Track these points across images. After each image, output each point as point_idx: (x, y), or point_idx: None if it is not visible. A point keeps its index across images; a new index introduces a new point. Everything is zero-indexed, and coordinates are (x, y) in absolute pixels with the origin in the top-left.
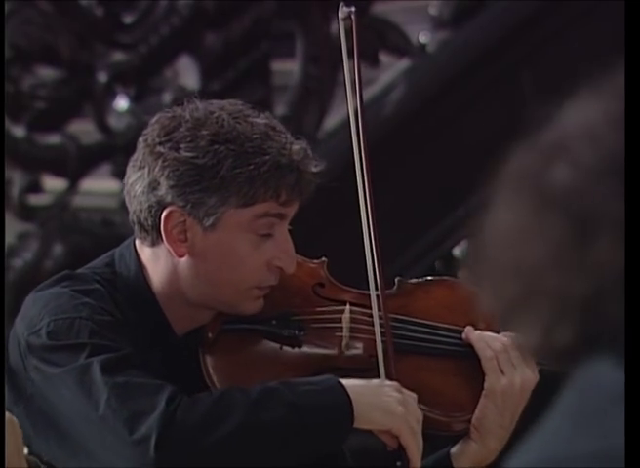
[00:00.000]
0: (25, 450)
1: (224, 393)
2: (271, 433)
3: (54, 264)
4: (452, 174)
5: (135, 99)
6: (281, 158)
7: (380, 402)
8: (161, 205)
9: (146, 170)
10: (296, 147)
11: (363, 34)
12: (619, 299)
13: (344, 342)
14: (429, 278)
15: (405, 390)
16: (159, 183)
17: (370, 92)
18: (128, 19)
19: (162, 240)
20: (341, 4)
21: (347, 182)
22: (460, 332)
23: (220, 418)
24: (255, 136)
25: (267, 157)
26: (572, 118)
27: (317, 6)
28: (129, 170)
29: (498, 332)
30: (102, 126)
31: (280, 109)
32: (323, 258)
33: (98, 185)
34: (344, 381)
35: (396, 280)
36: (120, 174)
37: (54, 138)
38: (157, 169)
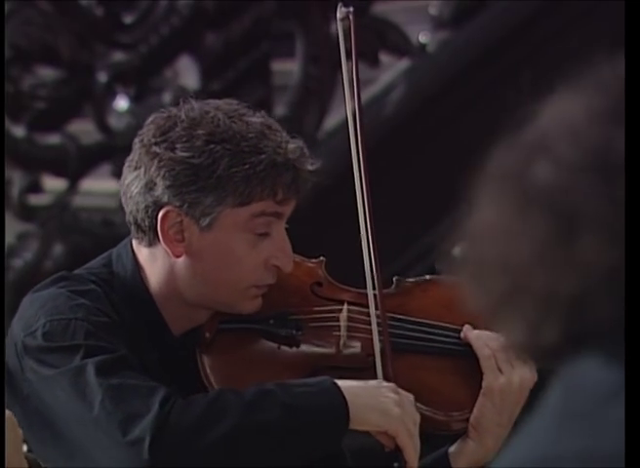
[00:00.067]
0: (24, 448)
1: (219, 395)
2: (266, 435)
3: (54, 264)
4: (452, 173)
5: (135, 99)
6: (277, 157)
7: (377, 403)
8: (157, 205)
9: (142, 170)
10: (291, 146)
11: (363, 34)
12: (605, 297)
13: (342, 341)
14: (427, 277)
15: (402, 391)
16: (155, 184)
17: (370, 92)
18: (128, 19)
19: (159, 240)
20: (340, 4)
21: (348, 182)
22: (459, 331)
23: (215, 420)
24: (250, 135)
25: (263, 156)
26: (553, 115)
27: (317, 6)
28: (125, 170)
29: None
30: (102, 126)
31: (280, 109)
32: (321, 258)
33: (98, 185)
34: (340, 382)
35: (394, 279)
36: (120, 174)
37: (54, 138)
38: (153, 169)
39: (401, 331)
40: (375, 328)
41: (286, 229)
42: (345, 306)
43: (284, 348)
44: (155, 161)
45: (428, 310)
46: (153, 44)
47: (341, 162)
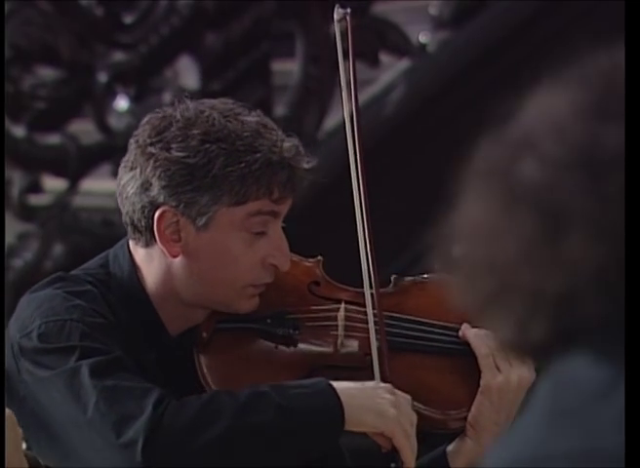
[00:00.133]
0: (23, 446)
1: (213, 396)
2: (261, 436)
3: (54, 264)
4: (452, 174)
5: (135, 99)
6: (272, 155)
7: (372, 404)
8: (154, 205)
9: (138, 170)
10: (287, 144)
11: (363, 34)
12: (592, 295)
13: (339, 341)
14: (425, 276)
15: (398, 392)
16: (151, 184)
17: (370, 92)
18: (128, 19)
19: (155, 240)
20: (337, 5)
21: (347, 182)
22: (457, 330)
23: (208, 422)
24: (246, 134)
25: (259, 155)
26: (537, 110)
27: (317, 6)
28: (121, 171)
29: None
30: (102, 126)
31: (280, 109)
32: (319, 257)
33: (98, 185)
34: (336, 384)
35: (392, 278)
36: None
37: (54, 138)
38: (149, 169)
39: (398, 330)
40: (372, 327)
41: (283, 228)
42: (343, 305)
43: (281, 348)
44: (151, 161)
45: (426, 309)
46: (153, 44)
47: (341, 162)
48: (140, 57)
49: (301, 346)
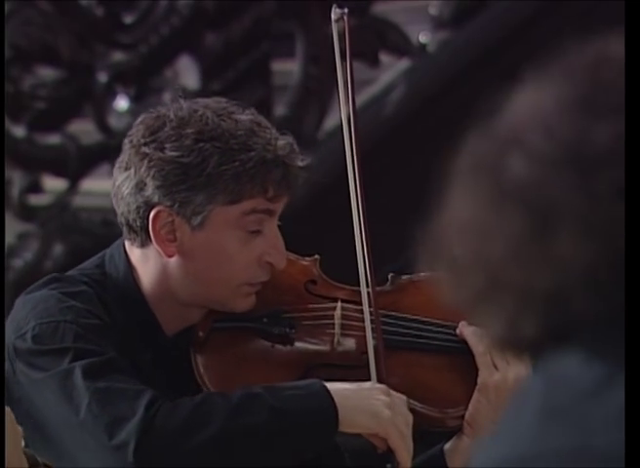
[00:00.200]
0: (22, 443)
1: (206, 398)
2: (254, 438)
3: (54, 264)
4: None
5: (135, 99)
6: (266, 153)
7: (366, 405)
8: (148, 205)
9: (132, 171)
10: (281, 142)
11: (363, 34)
12: (583, 293)
13: (336, 339)
14: (422, 274)
15: (394, 393)
16: (145, 184)
17: (370, 92)
18: (128, 19)
19: (151, 241)
20: (334, 5)
21: (347, 182)
22: (454, 328)
23: (201, 423)
24: (239, 132)
25: (253, 153)
26: (523, 105)
27: (317, 6)
28: (115, 171)
29: None
30: (102, 126)
31: (280, 109)
32: (315, 256)
33: (98, 185)
34: (330, 385)
35: (389, 276)
36: None
37: (54, 138)
38: (143, 169)
39: (395, 329)
40: (368, 325)
41: (279, 226)
42: (339, 304)
43: (278, 346)
44: (145, 161)
45: (423, 307)
46: (153, 44)
47: (341, 162)
48: (140, 57)
49: (298, 345)
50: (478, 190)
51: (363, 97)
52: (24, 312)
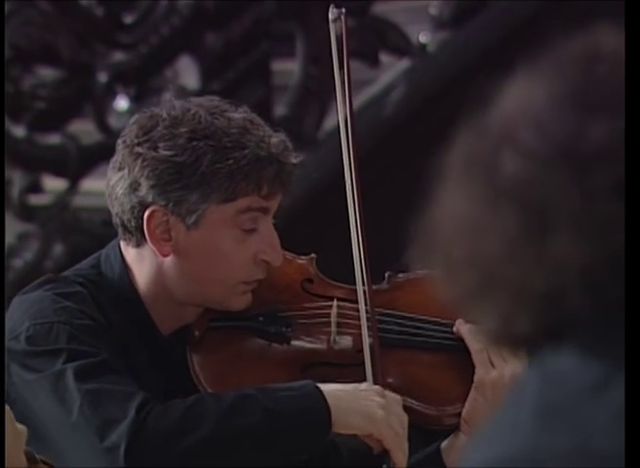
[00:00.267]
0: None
1: (198, 400)
2: (246, 439)
3: (54, 264)
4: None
5: (135, 99)
6: (260, 151)
7: (359, 406)
8: (143, 205)
9: (126, 171)
10: (274, 140)
11: (363, 34)
12: (578, 291)
13: (332, 337)
14: (419, 272)
15: (388, 393)
16: (139, 184)
17: (370, 92)
18: (128, 19)
19: (146, 240)
20: (331, 5)
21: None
22: (451, 326)
23: (193, 425)
24: (233, 130)
25: (246, 151)
26: (515, 101)
27: (317, 6)
28: (109, 172)
29: None
30: (102, 126)
31: (280, 109)
32: (312, 255)
33: (98, 185)
34: (323, 386)
35: (386, 275)
36: None
37: (54, 138)
38: (137, 169)
39: (392, 327)
40: (364, 323)
41: (274, 225)
42: (335, 302)
43: (274, 345)
44: (138, 161)
45: (420, 305)
46: (153, 44)
47: (340, 162)
48: (140, 57)
49: (294, 343)
50: (472, 187)
51: (363, 97)
52: (19, 313)
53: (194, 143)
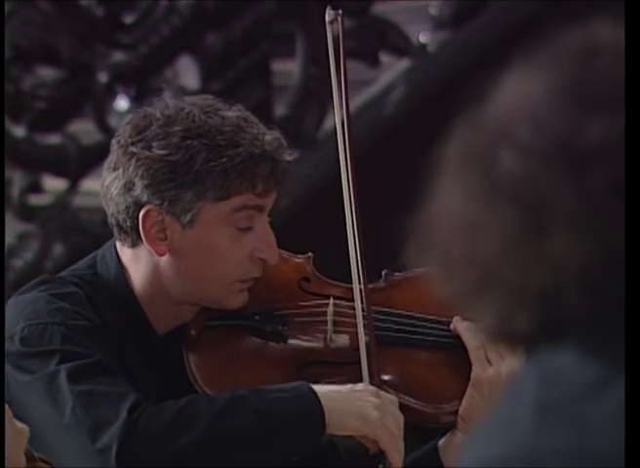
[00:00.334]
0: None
1: (190, 401)
2: (238, 440)
3: (54, 264)
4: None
5: (135, 99)
6: (254, 149)
7: (354, 407)
8: (138, 205)
9: (121, 170)
10: (268, 137)
11: (363, 34)
12: (576, 290)
13: (329, 335)
14: (416, 270)
15: (384, 394)
16: (134, 183)
17: (370, 92)
18: (128, 19)
19: (142, 240)
20: (328, 7)
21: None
22: (449, 324)
23: (185, 427)
24: (227, 128)
25: (240, 149)
26: (512, 96)
27: (317, 6)
28: (104, 172)
29: None
30: (102, 126)
31: (280, 109)
32: (309, 253)
33: (98, 185)
34: (317, 387)
35: (383, 273)
36: None
37: (54, 138)
38: (131, 169)
39: (388, 325)
40: (360, 321)
41: (270, 223)
42: (331, 300)
43: (271, 344)
44: (133, 161)
45: (417, 303)
46: (153, 44)
47: (340, 162)
48: (140, 57)
49: (291, 342)
50: (469, 183)
51: (363, 97)
52: (14, 314)
53: (188, 142)
